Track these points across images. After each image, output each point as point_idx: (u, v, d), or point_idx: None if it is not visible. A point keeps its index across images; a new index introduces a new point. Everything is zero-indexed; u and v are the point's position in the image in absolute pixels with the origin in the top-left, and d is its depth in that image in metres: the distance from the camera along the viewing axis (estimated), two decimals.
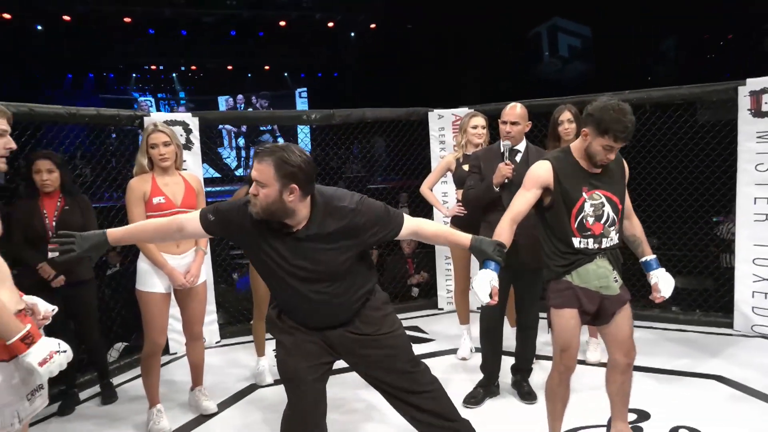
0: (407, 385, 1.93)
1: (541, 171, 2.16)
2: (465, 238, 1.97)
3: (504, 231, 2.13)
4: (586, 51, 13.44)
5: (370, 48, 14.01)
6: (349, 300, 1.89)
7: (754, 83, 3.63)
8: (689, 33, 11.42)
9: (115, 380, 3.41)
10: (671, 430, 2.59)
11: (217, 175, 10.06)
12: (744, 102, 3.66)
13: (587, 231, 2.12)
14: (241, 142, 14.58)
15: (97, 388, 3.27)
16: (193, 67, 15.46)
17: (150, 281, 2.71)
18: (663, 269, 2.28)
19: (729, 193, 4.04)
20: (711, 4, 9.43)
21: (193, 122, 4.00)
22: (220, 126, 12.85)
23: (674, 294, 2.51)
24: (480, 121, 3.48)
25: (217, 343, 4.13)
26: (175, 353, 3.87)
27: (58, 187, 3.00)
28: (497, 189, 2.77)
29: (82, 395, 3.22)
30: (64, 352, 1.59)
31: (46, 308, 1.79)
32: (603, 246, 2.14)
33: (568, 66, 13.71)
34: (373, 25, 13.82)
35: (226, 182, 11.41)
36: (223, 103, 15.34)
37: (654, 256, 2.30)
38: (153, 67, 15.11)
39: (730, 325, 3.92)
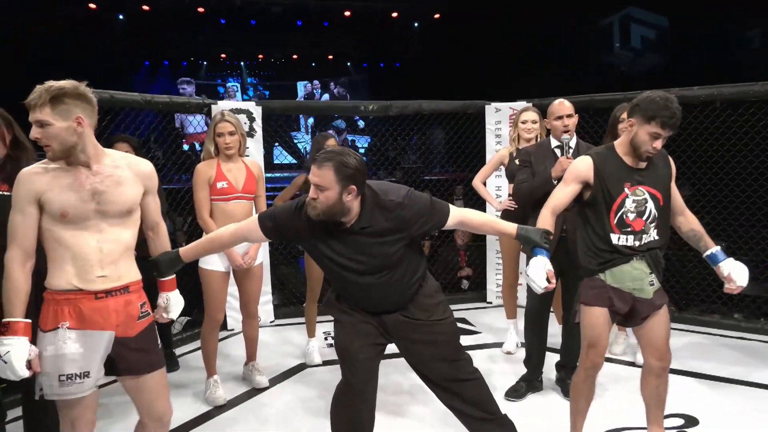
0: (451, 372, 2.01)
1: (581, 166, 2.16)
2: (511, 227, 2.02)
3: (546, 220, 2.14)
4: (661, 42, 12.80)
5: (432, 39, 13.95)
6: (404, 286, 1.98)
7: None
8: None
9: (178, 351, 3.67)
10: None
11: (292, 160, 10.23)
12: None
13: (627, 227, 2.10)
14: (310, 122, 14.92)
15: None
16: (260, 56, 15.98)
17: (211, 260, 2.90)
18: (732, 258, 2.19)
19: None
20: None
21: (257, 111, 4.19)
22: None
23: (738, 300, 2.44)
24: (530, 115, 3.46)
25: (271, 322, 4.35)
26: (233, 329, 4.11)
27: None
28: (555, 183, 2.76)
29: None
30: (5, 362, 1.59)
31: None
32: (643, 242, 2.11)
33: (640, 58, 13.12)
34: (437, 16, 13.75)
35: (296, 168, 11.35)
36: (302, 88, 15.83)
37: (718, 247, 2.22)
38: (223, 56, 15.75)
39: None
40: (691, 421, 2.68)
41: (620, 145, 2.16)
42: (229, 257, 2.90)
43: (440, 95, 4.54)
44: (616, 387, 3.03)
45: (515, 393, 2.97)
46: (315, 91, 15.79)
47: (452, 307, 4.44)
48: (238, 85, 15.52)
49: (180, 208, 4.27)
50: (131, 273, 1.81)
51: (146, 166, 1.88)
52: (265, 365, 3.32)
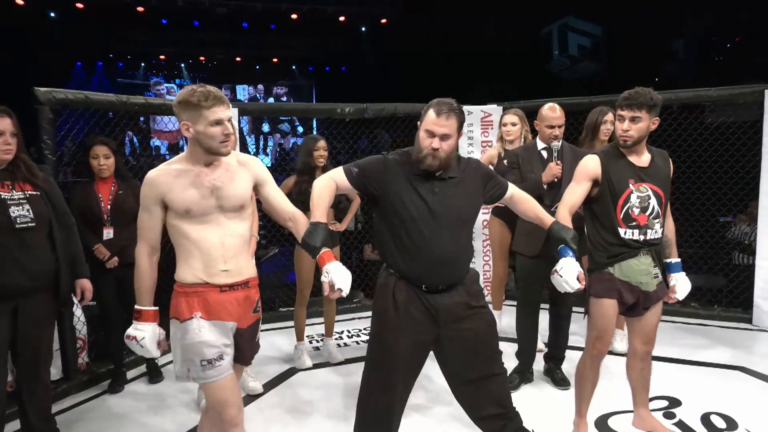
0: (487, 367, 1.98)
1: (591, 164, 2.30)
2: (548, 219, 2.09)
3: (566, 219, 2.23)
4: (597, 51, 13.52)
5: (380, 43, 14.08)
6: (464, 255, 2.01)
7: None
8: (698, 35, 11.53)
9: (162, 359, 3.51)
10: (703, 416, 2.72)
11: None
12: None
13: (632, 221, 2.24)
14: (265, 128, 14.64)
15: (143, 368, 3.39)
16: (202, 59, 15.54)
17: None
18: (683, 273, 2.40)
19: (741, 193, 4.17)
20: (719, 8, 9.55)
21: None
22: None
23: (694, 290, 2.64)
24: (510, 118, 3.59)
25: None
26: None
27: (113, 173, 3.11)
28: (545, 187, 2.89)
29: (130, 374, 3.34)
30: (142, 347, 1.84)
31: None
32: (648, 237, 2.26)
33: (577, 65, 13.80)
34: (384, 21, 13.89)
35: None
36: (241, 92, 15.44)
37: (678, 260, 2.42)
38: (163, 57, 15.19)
39: (749, 320, 4.05)
40: (675, 402, 2.87)
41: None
42: None
43: (388, 99, 4.57)
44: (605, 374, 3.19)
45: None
46: (258, 96, 15.49)
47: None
48: (166, 86, 14.88)
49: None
50: (250, 268, 1.96)
51: (252, 160, 2.00)
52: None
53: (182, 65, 15.82)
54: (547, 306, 3.13)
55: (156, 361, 3.40)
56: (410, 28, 12.91)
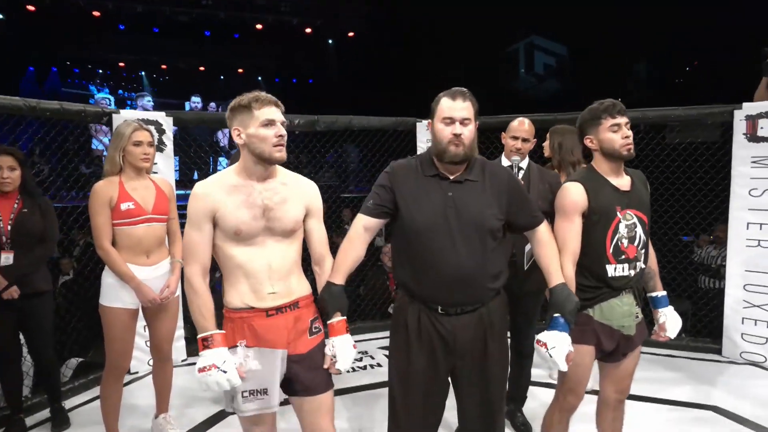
0: (498, 394, 1.89)
1: (578, 196, 1.93)
2: (557, 276, 1.84)
3: (571, 279, 1.89)
4: (562, 70, 13.63)
5: (347, 56, 13.86)
6: (485, 271, 1.79)
7: (751, 107, 3.59)
8: (659, 57, 11.74)
9: (68, 403, 3.08)
10: None
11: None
12: (740, 126, 3.62)
13: (622, 255, 1.93)
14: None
15: (47, 413, 2.94)
16: (164, 66, 15.02)
17: (115, 295, 2.42)
18: (672, 308, 2.12)
19: (704, 212, 4.04)
20: (678, 32, 9.71)
21: (167, 122, 3.72)
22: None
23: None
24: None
25: (183, 361, 3.82)
26: (137, 372, 3.54)
27: (17, 187, 2.69)
28: None
29: (30, 420, 2.88)
30: (225, 372, 1.59)
31: None
32: (636, 271, 1.96)
33: (543, 83, 13.87)
34: (351, 34, 13.69)
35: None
36: (188, 106, 14.73)
37: (665, 292, 2.12)
38: (122, 64, 14.61)
39: (719, 351, 3.85)
40: None
41: (598, 164, 1.99)
42: (137, 292, 2.42)
43: (356, 112, 4.32)
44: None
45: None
46: (195, 106, 14.75)
47: (383, 334, 4.31)
48: (111, 98, 14.00)
49: (67, 228, 3.67)
50: (301, 287, 1.80)
51: (311, 187, 1.85)
52: (178, 416, 2.85)
53: (142, 73, 15.29)
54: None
55: (63, 404, 2.96)
56: (377, 41, 12.75)
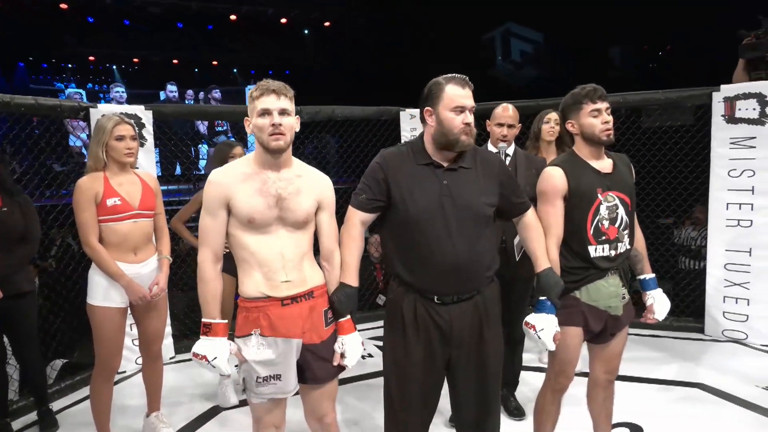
0: (493, 387, 1.90)
1: (558, 180, 1.97)
2: (543, 261, 1.89)
3: (556, 260, 1.95)
4: (539, 56, 13.71)
5: (324, 46, 13.72)
6: (481, 260, 1.80)
7: (728, 89, 3.65)
8: (632, 43, 11.90)
9: (55, 405, 3.02)
10: None
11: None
12: (718, 108, 3.68)
13: (602, 236, 1.97)
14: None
15: (33, 416, 2.87)
16: (136, 60, 14.68)
17: (104, 294, 2.36)
18: (660, 290, 2.16)
19: (685, 193, 4.11)
20: (651, 18, 9.84)
21: (147, 116, 3.64)
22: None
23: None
24: (553, 115, 3.30)
25: (171, 359, 3.77)
26: (124, 371, 3.48)
27: None
28: None
29: (17, 424, 2.82)
30: (213, 367, 1.68)
31: None
32: (619, 251, 2.00)
33: (520, 71, 13.94)
34: (327, 23, 13.54)
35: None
36: (164, 96, 14.39)
37: (653, 275, 2.17)
38: (92, 58, 14.22)
39: (701, 330, 3.94)
40: (636, 429, 2.65)
41: (579, 149, 2.03)
42: (127, 290, 2.37)
43: (334, 103, 4.28)
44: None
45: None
46: (188, 101, 14.43)
47: (371, 325, 4.31)
48: (83, 93, 13.51)
49: (46, 227, 3.58)
50: (315, 276, 1.81)
51: (324, 181, 1.86)
52: (169, 413, 2.82)
53: (113, 67, 14.92)
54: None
55: (50, 406, 2.90)
56: (354, 31, 12.65)
